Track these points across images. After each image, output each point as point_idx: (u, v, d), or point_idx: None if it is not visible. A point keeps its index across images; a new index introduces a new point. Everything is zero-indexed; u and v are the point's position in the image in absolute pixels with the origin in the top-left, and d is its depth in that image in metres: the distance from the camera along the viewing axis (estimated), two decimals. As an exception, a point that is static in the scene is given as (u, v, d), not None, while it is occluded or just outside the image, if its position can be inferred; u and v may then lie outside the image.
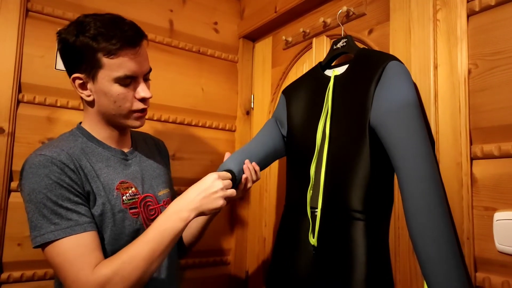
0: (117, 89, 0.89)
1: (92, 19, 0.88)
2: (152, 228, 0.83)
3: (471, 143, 0.86)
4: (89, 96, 0.91)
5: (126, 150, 1.01)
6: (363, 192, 0.93)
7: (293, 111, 1.22)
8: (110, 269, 0.78)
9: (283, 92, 1.30)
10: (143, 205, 0.96)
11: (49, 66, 1.34)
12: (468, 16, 0.89)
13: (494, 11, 0.85)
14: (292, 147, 1.21)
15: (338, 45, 1.14)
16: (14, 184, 1.25)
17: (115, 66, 0.86)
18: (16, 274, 1.22)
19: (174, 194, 1.10)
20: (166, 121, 1.57)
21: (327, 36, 1.35)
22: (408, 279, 0.96)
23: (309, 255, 1.06)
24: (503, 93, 0.82)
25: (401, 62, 0.94)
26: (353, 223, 0.93)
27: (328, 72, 1.17)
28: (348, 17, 1.24)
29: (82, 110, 1.37)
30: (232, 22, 1.80)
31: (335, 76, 1.09)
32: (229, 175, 0.96)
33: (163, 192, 1.04)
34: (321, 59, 1.22)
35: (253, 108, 1.77)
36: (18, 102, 1.27)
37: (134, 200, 0.94)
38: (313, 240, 1.04)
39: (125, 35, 0.87)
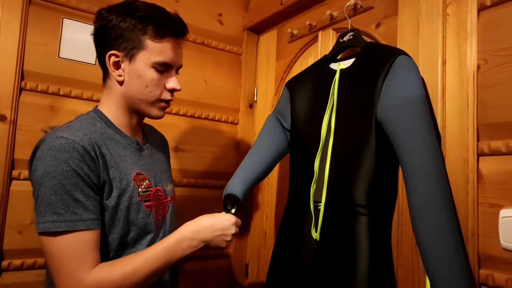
0: (152, 74, 0.89)
1: (142, 3, 0.90)
2: (161, 247, 0.83)
3: (478, 140, 0.86)
4: (120, 76, 0.90)
5: (139, 140, 1.00)
6: (368, 187, 0.92)
7: (297, 104, 1.21)
8: (108, 275, 0.77)
9: (286, 85, 1.28)
10: (155, 198, 0.96)
11: (52, 54, 1.32)
12: (479, 10, 0.88)
13: (506, 6, 0.83)
14: (296, 141, 1.20)
15: (345, 38, 1.13)
16: (15, 172, 1.24)
17: (157, 50, 0.88)
18: (17, 262, 1.21)
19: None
20: (169, 113, 1.56)
21: (334, 29, 1.34)
22: (410, 274, 0.96)
23: (311, 250, 1.05)
24: (513, 89, 0.81)
25: (410, 57, 0.93)
26: (357, 218, 0.93)
27: (333, 66, 1.16)
28: (355, 10, 1.23)
29: (84, 99, 1.38)
30: (237, 14, 1.78)
31: (341, 70, 1.08)
32: (239, 222, 0.96)
33: (170, 187, 1.04)
34: (327, 53, 1.21)
35: (256, 101, 1.76)
36: (21, 89, 1.26)
37: (148, 193, 0.93)
38: (315, 235, 1.03)
39: (173, 24, 0.90)
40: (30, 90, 1.28)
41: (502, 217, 0.79)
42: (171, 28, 0.89)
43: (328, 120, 1.06)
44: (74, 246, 0.77)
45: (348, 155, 0.98)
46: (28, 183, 1.25)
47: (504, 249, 0.79)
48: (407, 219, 0.96)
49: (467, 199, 0.85)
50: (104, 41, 0.90)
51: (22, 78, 1.27)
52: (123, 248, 0.88)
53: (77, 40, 1.36)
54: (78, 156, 0.79)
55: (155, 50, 0.88)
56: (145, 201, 0.92)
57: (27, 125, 1.27)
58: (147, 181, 0.94)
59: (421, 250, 0.82)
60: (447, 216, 0.80)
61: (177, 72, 0.96)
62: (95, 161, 0.82)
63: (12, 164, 1.24)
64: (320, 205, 1.03)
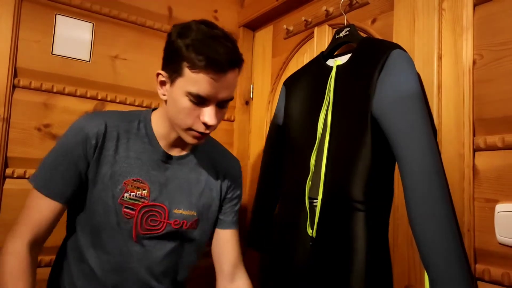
0: (186, 103, 0.84)
1: (197, 27, 0.84)
2: None
3: (474, 135, 0.86)
4: (163, 95, 0.89)
5: (175, 153, 0.97)
6: (364, 183, 0.92)
7: (292, 101, 1.21)
8: (9, 264, 0.81)
9: (284, 83, 1.28)
10: (143, 211, 0.91)
11: (45, 51, 1.31)
12: (475, 5, 0.88)
13: (502, 0, 0.83)
14: (291, 138, 1.19)
15: (341, 34, 1.12)
16: (9, 171, 1.23)
17: (192, 81, 0.82)
18: (11, 261, 1.20)
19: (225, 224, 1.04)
20: (164, 110, 1.55)
21: (329, 25, 1.33)
22: (406, 270, 0.96)
23: (307, 247, 1.05)
24: (509, 84, 0.81)
25: (405, 51, 0.93)
26: (354, 214, 0.93)
27: (330, 62, 1.16)
28: (351, 6, 1.22)
29: (78, 96, 1.37)
30: (233, 10, 1.77)
31: (337, 66, 1.07)
32: None
33: (181, 212, 0.95)
34: (323, 49, 1.21)
35: (252, 98, 1.75)
36: (14, 87, 1.25)
37: (135, 202, 0.90)
38: (311, 231, 1.03)
39: (216, 57, 0.81)
40: (24, 87, 1.27)
41: (498, 212, 0.79)
42: (212, 61, 0.80)
43: (325, 116, 1.06)
44: (33, 206, 0.86)
45: (345, 151, 0.98)
46: (22, 181, 1.27)
47: (500, 243, 0.79)
48: (403, 215, 0.96)
49: (463, 194, 0.85)
50: (163, 57, 0.89)
51: (15, 75, 1.26)
52: (95, 235, 0.90)
53: (71, 36, 1.35)
54: (79, 140, 0.87)
55: (190, 80, 0.82)
56: (126, 207, 0.89)
57: (20, 123, 1.25)
58: (144, 191, 0.91)
59: (419, 246, 0.82)
60: (445, 211, 0.80)
61: (222, 105, 0.88)
62: (92, 149, 0.88)
63: (5, 162, 1.22)
64: (316, 202, 1.03)
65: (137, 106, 1.47)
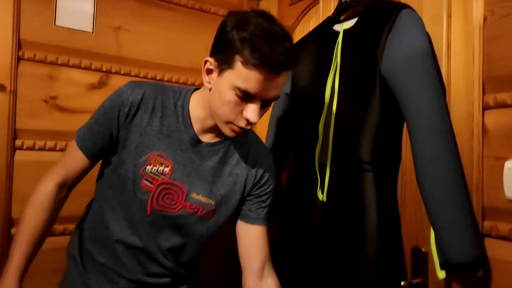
0: (231, 96, 0.82)
1: (255, 21, 0.80)
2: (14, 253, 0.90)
3: (483, 93, 0.85)
4: (208, 83, 0.87)
5: (206, 140, 0.95)
6: (372, 143, 0.92)
7: (299, 68, 1.20)
8: (32, 204, 0.92)
9: None
10: (161, 188, 0.91)
11: (48, 22, 1.30)
12: (486, -41, 0.85)
13: (514, -47, 0.81)
14: (299, 105, 1.19)
15: (347, -2, 1.10)
16: (18, 142, 1.24)
17: (243, 76, 0.79)
18: (25, 230, 1.23)
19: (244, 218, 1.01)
20: (169, 81, 1.55)
21: (335, -11, 1.30)
22: (414, 231, 0.98)
23: (318, 211, 1.06)
24: (520, 40, 0.79)
25: (414, 11, 0.91)
26: (363, 175, 0.93)
27: (337, 27, 1.14)
28: (358, -32, 1.19)
29: (83, 68, 1.36)
30: (236, -22, 1.73)
31: (344, 30, 1.06)
32: None
33: (199, 198, 0.94)
34: (329, 15, 1.19)
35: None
36: (19, 59, 1.25)
37: (155, 176, 0.90)
38: (321, 196, 1.04)
39: (272, 57, 0.77)
40: (28, 59, 1.26)
41: (507, 168, 0.79)
42: (267, 61, 0.77)
43: (332, 81, 1.05)
44: (70, 153, 0.96)
45: (353, 114, 0.98)
46: (32, 152, 1.28)
47: (509, 199, 0.79)
48: (410, 177, 0.96)
49: (472, 153, 0.85)
50: (213, 44, 0.87)
51: (19, 48, 1.25)
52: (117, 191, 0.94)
53: (73, 7, 1.33)
54: (115, 104, 0.90)
55: (241, 75, 0.79)
56: (146, 179, 0.90)
57: (27, 95, 1.26)
58: (166, 168, 0.91)
59: (427, 204, 0.83)
60: (453, 169, 0.81)
61: (267, 103, 0.86)
62: (124, 116, 0.90)
63: (14, 134, 1.24)
64: (326, 167, 1.03)
65: (142, 77, 1.46)
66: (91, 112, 0.95)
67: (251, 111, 0.83)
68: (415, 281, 0.96)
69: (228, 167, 0.98)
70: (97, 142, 0.92)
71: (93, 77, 1.38)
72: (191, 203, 0.93)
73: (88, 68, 1.36)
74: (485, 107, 0.85)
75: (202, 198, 0.94)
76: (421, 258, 0.96)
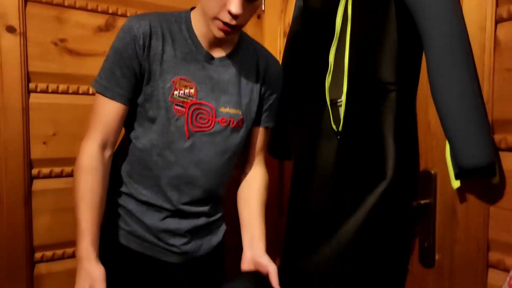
0: None
1: None
2: (83, 229, 0.89)
3: (497, 5, 0.84)
4: None
5: (217, 55, 0.99)
6: (394, 63, 0.93)
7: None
8: (82, 170, 0.91)
9: None
10: (193, 110, 0.95)
11: (51, -38, 1.28)
12: None
13: None
14: (308, 37, 1.18)
15: None
16: (32, 85, 1.25)
17: None
18: (45, 170, 1.28)
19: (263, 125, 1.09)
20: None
21: None
22: (423, 154, 1.00)
23: (333, 142, 1.08)
24: None
25: None
26: (386, 96, 0.94)
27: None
28: None
29: (90, 10, 1.35)
30: None
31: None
32: None
33: (227, 110, 0.98)
34: None
35: (264, 10, 1.71)
36: (26, 0, 1.24)
37: (184, 100, 0.94)
38: (335, 127, 1.05)
39: None
40: (35, 1, 1.25)
41: (519, 78, 0.79)
42: None
43: (344, 7, 1.03)
44: (100, 109, 0.93)
45: (370, 37, 0.98)
46: (46, 95, 1.30)
47: (519, 110, 0.80)
48: (419, 99, 0.97)
49: (483, 68, 0.86)
50: None
51: (25, -12, 1.24)
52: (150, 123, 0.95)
53: None
54: (128, 40, 0.90)
55: None
56: (177, 105, 0.93)
57: (37, 37, 1.25)
58: (191, 90, 0.94)
59: (441, 115, 0.84)
60: (468, 78, 0.81)
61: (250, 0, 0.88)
62: (141, 48, 0.91)
63: (27, 77, 1.25)
64: (337, 101, 1.04)
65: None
66: (101, 55, 0.96)
67: (233, 3, 0.84)
68: (423, 201, 0.99)
69: (244, 76, 1.02)
70: (124, 85, 0.92)
71: (100, 20, 1.37)
72: (222, 117, 0.98)
73: (94, 10, 1.35)
74: (498, 20, 0.84)
75: (230, 110, 0.99)
76: (429, 180, 0.99)
